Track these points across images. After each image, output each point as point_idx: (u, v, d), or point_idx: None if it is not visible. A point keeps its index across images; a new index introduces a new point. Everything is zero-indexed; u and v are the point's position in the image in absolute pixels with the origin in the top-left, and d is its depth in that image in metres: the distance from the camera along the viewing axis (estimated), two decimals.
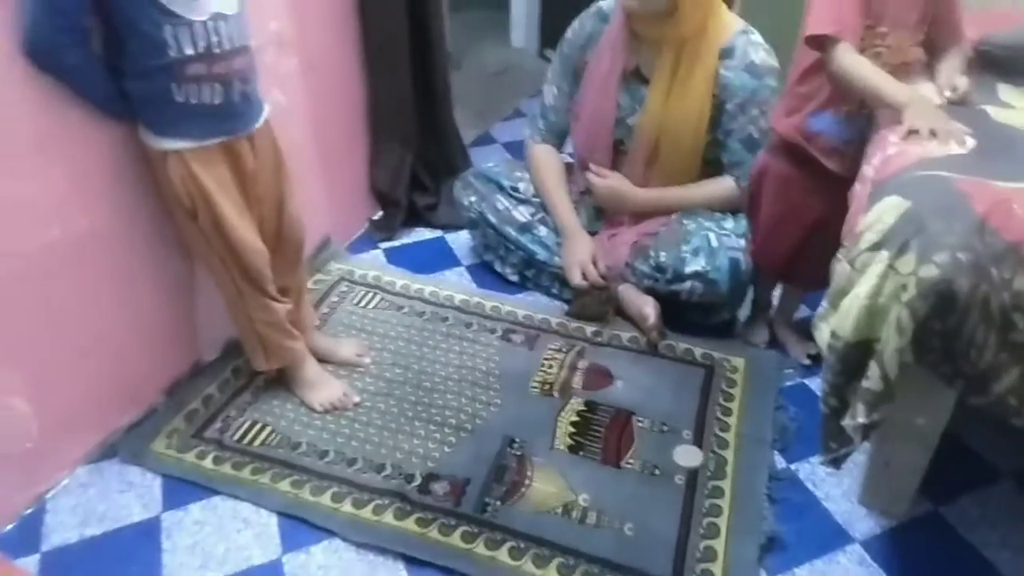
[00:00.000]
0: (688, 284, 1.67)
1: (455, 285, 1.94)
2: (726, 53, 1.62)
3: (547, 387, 1.60)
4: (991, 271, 0.92)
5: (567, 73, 1.81)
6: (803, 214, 1.52)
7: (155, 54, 1.17)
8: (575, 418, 1.52)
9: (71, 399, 1.37)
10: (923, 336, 0.95)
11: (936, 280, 0.92)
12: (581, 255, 1.76)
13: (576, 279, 1.74)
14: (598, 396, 1.58)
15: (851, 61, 1.26)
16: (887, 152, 1.14)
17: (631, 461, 1.43)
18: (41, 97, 1.18)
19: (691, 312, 1.75)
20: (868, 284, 0.98)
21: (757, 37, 1.63)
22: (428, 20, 1.98)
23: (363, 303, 1.86)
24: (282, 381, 1.58)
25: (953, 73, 1.31)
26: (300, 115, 1.81)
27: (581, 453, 1.44)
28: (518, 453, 1.44)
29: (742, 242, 1.66)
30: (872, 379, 0.99)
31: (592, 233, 1.85)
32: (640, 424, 1.51)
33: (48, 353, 1.31)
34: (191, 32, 1.17)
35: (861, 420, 1.01)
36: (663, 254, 1.69)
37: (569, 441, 1.47)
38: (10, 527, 1.29)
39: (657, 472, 1.40)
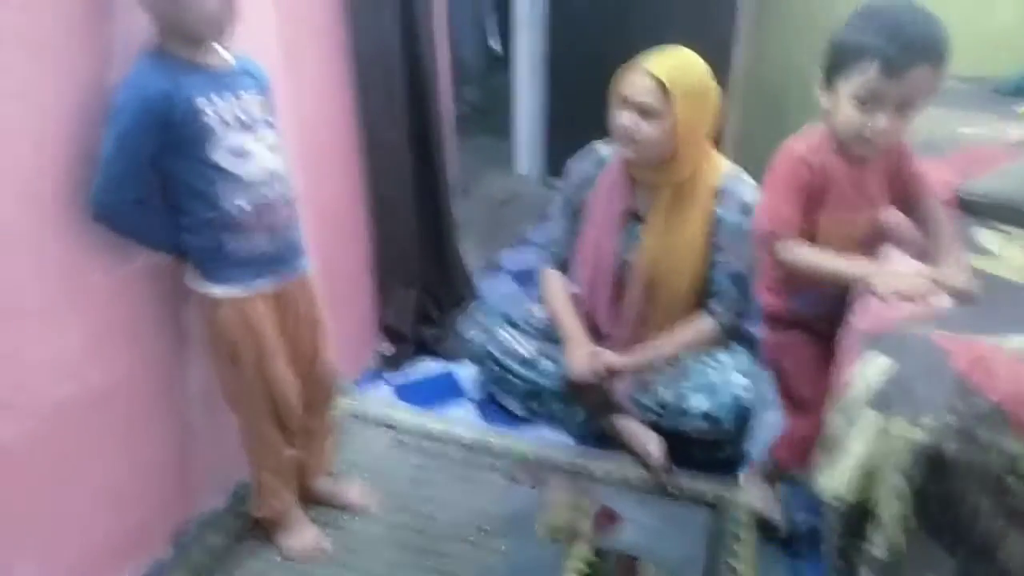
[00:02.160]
0: (691, 422, 1.67)
1: (462, 421, 1.95)
2: (720, 193, 1.69)
3: (553, 530, 1.58)
4: (978, 433, 0.93)
5: (568, 213, 1.90)
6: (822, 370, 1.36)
7: (210, 209, 1.26)
8: (583, 567, 1.50)
9: (79, 554, 1.37)
10: (923, 503, 0.95)
11: (926, 445, 0.93)
12: (585, 353, 1.78)
13: (577, 369, 1.75)
14: (605, 540, 1.56)
15: (796, 254, 1.25)
16: (870, 304, 1.17)
17: None
18: (65, 256, 1.24)
19: (697, 447, 1.74)
20: (861, 445, 0.99)
21: (747, 178, 1.71)
22: (434, 156, 2.09)
23: (370, 443, 1.87)
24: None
25: (954, 262, 1.20)
26: (312, 257, 1.89)
27: None
28: None
29: (743, 378, 1.67)
30: (879, 547, 0.98)
31: None
32: (647, 571, 1.48)
33: (55, 510, 1.32)
34: (243, 188, 1.27)
35: None
36: (664, 391, 1.71)
37: None
38: None
39: None
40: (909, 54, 1.08)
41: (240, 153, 1.27)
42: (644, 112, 1.58)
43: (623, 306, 1.82)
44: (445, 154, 2.16)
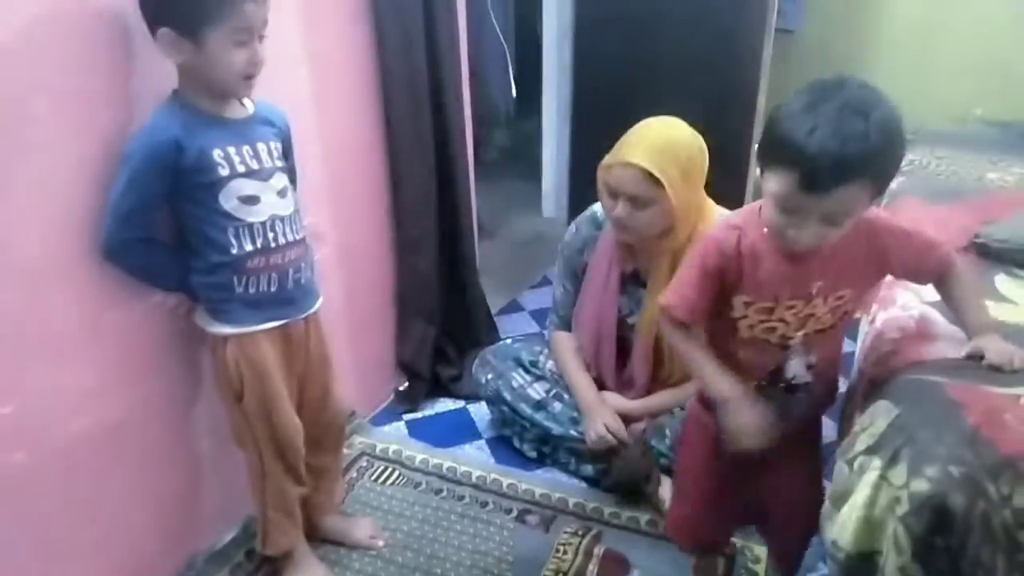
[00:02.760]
0: None
1: (474, 460, 1.94)
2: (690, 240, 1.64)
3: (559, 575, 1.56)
4: (987, 486, 0.90)
5: (569, 275, 1.89)
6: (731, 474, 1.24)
7: (219, 252, 1.29)
8: None
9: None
10: (926, 553, 0.92)
11: (928, 495, 0.90)
12: (603, 420, 1.75)
13: (597, 435, 1.73)
14: None
15: (678, 340, 1.17)
16: (881, 349, 1.15)
17: None
18: (85, 294, 1.28)
19: None
20: (863, 494, 0.96)
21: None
22: (456, 197, 2.12)
23: (381, 479, 1.87)
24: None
25: (998, 344, 1.09)
26: (333, 295, 1.91)
27: None
28: None
29: None
30: None
31: None
32: None
33: (67, 538, 1.34)
34: (251, 232, 1.30)
35: None
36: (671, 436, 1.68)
37: None
38: None
39: None
40: (834, 174, 0.93)
41: (249, 200, 1.30)
42: (636, 202, 1.56)
43: (629, 368, 1.81)
44: (468, 195, 2.19)
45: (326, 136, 1.79)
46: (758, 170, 1.04)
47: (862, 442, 1.03)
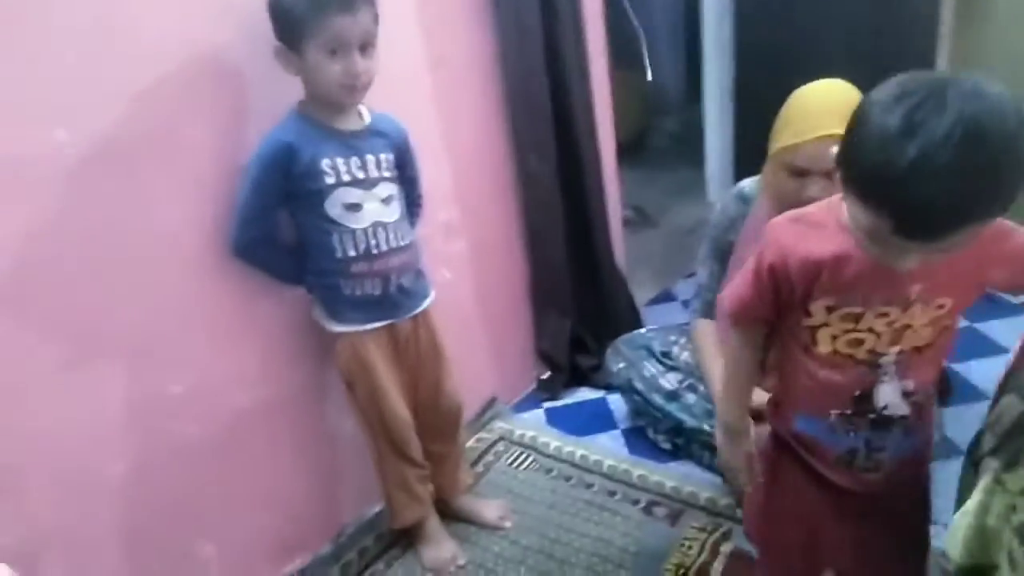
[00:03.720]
0: None
1: (607, 450, 1.94)
2: None
3: (682, 571, 1.51)
4: None
5: (716, 255, 1.79)
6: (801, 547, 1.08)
7: (326, 256, 1.42)
8: None
9: (251, 542, 1.58)
10: None
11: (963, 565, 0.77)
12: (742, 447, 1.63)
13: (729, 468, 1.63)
14: None
15: (732, 339, 1.06)
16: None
17: None
18: (243, 285, 1.47)
19: None
20: (976, 499, 0.85)
21: None
22: (585, 190, 2.13)
23: (516, 464, 1.93)
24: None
25: None
26: (467, 288, 2.02)
27: None
28: None
29: None
30: None
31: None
32: None
33: (232, 503, 1.54)
34: (354, 238, 1.41)
35: None
36: None
37: None
38: None
39: None
40: (944, 224, 0.76)
41: (353, 207, 1.40)
42: (833, 175, 1.42)
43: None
44: (599, 188, 2.18)
45: (452, 137, 1.88)
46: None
47: (988, 441, 0.90)
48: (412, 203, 1.59)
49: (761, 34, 3.06)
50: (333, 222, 1.40)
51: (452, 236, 1.94)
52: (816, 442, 1.02)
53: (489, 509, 1.75)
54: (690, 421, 1.79)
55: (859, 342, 0.94)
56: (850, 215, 0.85)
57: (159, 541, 1.43)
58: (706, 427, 1.75)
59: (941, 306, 0.91)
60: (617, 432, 2.02)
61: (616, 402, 2.12)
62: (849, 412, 0.98)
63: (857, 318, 0.92)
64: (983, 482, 0.85)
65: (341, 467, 1.75)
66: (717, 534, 1.60)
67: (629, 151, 3.75)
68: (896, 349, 0.94)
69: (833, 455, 1.02)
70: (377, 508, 1.78)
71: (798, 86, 1.53)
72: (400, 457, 1.57)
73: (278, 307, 1.54)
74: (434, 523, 1.67)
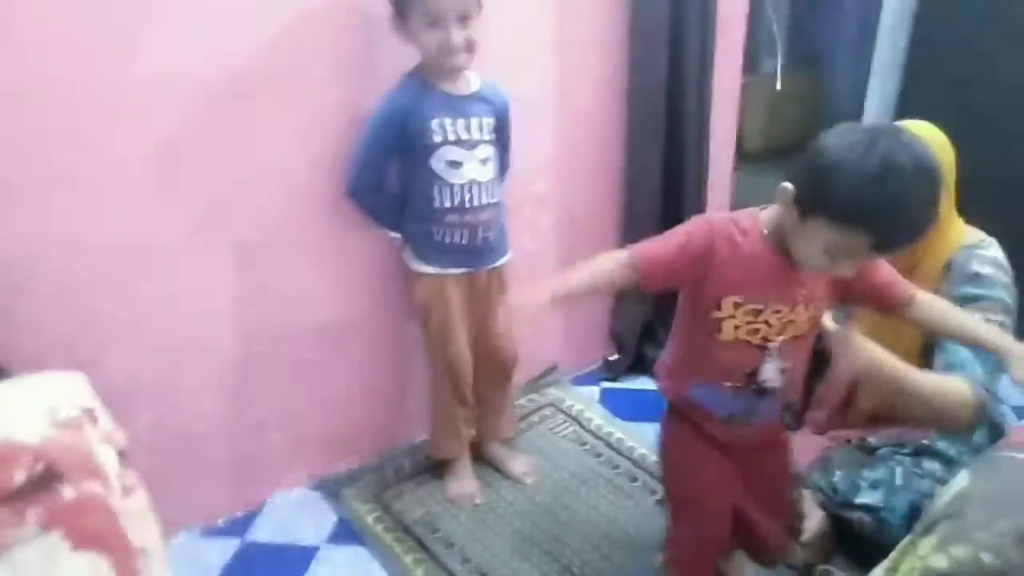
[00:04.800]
0: (857, 515, 1.51)
1: (643, 439, 2.01)
2: (947, 267, 1.45)
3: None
4: None
5: None
6: (712, 493, 1.30)
7: (425, 205, 1.59)
8: None
9: (306, 438, 1.83)
10: None
11: (938, 571, 0.79)
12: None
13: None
14: None
15: (604, 259, 1.17)
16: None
17: None
18: (336, 220, 1.67)
19: (864, 543, 1.55)
20: (891, 556, 0.88)
21: (987, 250, 1.44)
22: (685, 185, 2.16)
23: (556, 430, 2.05)
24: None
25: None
26: (551, 259, 2.13)
27: None
28: None
29: (931, 486, 1.44)
30: None
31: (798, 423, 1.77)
32: None
33: (301, 401, 1.78)
34: (451, 191, 1.57)
35: None
36: (839, 473, 1.56)
37: None
38: (239, 514, 1.77)
39: None
40: (915, 239, 1.02)
41: (454, 164, 1.55)
42: None
43: (821, 389, 1.68)
44: (701, 190, 2.20)
45: (563, 115, 1.98)
46: (783, 206, 1.07)
47: (933, 512, 0.92)
48: (502, 166, 1.71)
49: (934, 56, 2.87)
50: (436, 176, 1.55)
51: (543, 208, 2.05)
52: (704, 406, 1.26)
53: (517, 463, 1.89)
54: None
55: (756, 331, 1.16)
56: (806, 236, 1.05)
57: (237, 411, 1.70)
58: None
59: (818, 308, 1.18)
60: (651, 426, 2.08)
61: None
62: (739, 384, 1.20)
63: (757, 312, 1.14)
64: (901, 543, 0.88)
65: (400, 393, 1.95)
66: None
67: (785, 156, 3.66)
68: (781, 337, 1.17)
69: (718, 416, 1.25)
70: (421, 438, 1.97)
71: (963, 112, 1.51)
72: (454, 393, 1.74)
73: (371, 244, 1.74)
74: (465, 461, 1.84)
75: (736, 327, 1.15)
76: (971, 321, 1.22)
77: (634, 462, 1.91)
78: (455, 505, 1.78)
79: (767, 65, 4.13)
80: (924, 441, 1.52)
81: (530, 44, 1.86)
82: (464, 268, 1.65)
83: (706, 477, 1.29)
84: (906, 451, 1.51)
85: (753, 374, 1.19)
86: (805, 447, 1.67)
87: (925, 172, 0.96)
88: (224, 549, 1.67)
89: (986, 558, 0.79)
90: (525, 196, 1.95)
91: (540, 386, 2.23)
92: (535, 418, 2.10)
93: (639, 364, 2.31)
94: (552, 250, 2.11)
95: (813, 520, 1.59)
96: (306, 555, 1.66)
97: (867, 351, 1.26)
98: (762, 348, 1.17)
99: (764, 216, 1.14)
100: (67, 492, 0.99)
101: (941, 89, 2.81)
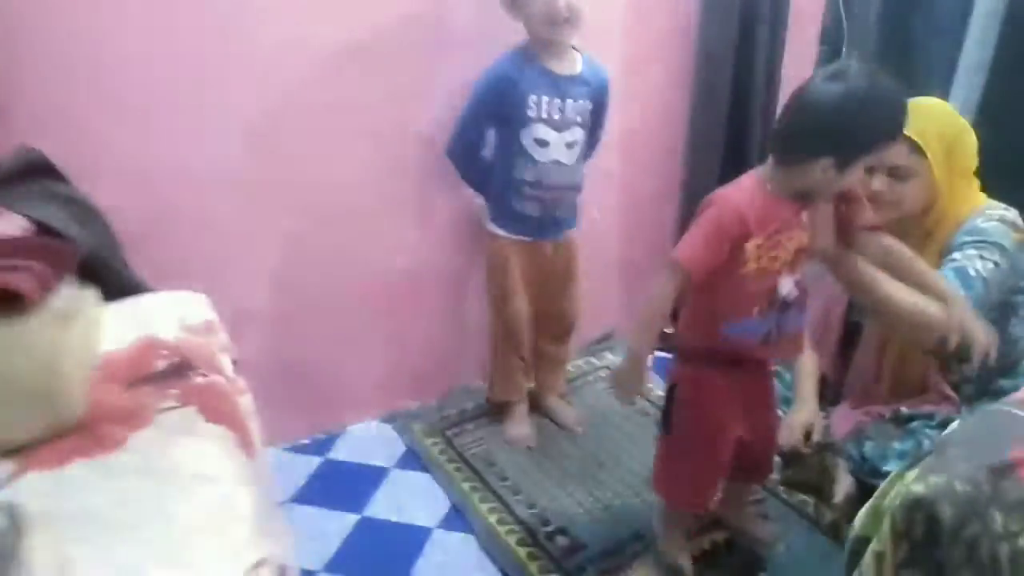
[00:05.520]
0: (883, 482, 1.61)
1: None
2: (959, 226, 1.54)
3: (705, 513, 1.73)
4: (994, 515, 0.88)
5: None
6: (725, 427, 1.45)
7: (508, 174, 1.76)
8: (707, 547, 1.63)
9: (376, 376, 2.05)
10: (904, 554, 0.94)
11: (919, 497, 0.92)
12: (799, 419, 1.79)
13: (786, 438, 1.79)
14: (745, 540, 1.65)
15: (667, 289, 1.30)
16: None
17: None
18: (429, 179, 1.89)
19: None
20: (882, 486, 1.01)
21: (996, 211, 1.52)
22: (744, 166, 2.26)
23: (608, 390, 2.20)
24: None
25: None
26: (614, 229, 2.29)
27: None
28: (637, 549, 1.63)
29: None
30: (857, 569, 1.00)
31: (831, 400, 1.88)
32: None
33: (375, 341, 2.00)
34: (535, 167, 1.74)
35: None
36: (869, 444, 1.67)
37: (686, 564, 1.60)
38: (321, 436, 2.01)
39: None
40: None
41: (541, 143, 1.71)
42: (897, 173, 1.52)
43: (852, 361, 1.78)
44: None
45: (632, 94, 2.12)
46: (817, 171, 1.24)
47: (923, 452, 1.04)
48: (591, 145, 1.86)
49: (1021, 56, 2.84)
50: (523, 149, 1.72)
51: (610, 182, 2.20)
52: (741, 338, 1.38)
53: (570, 415, 2.07)
54: None
55: (775, 259, 1.32)
56: (848, 179, 1.27)
57: (325, 347, 1.93)
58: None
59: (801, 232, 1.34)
60: None
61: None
62: (765, 306, 1.35)
63: (776, 244, 1.31)
64: (891, 475, 1.00)
65: (465, 341, 2.16)
66: (752, 491, 1.78)
67: None
68: (790, 256, 1.33)
69: (756, 341, 1.38)
70: (482, 383, 2.17)
71: None
72: (509, 346, 1.93)
73: (453, 203, 1.94)
74: (523, 408, 2.03)
75: (759, 259, 1.31)
76: (933, 272, 1.36)
77: None
78: (510, 446, 1.97)
79: (851, 58, 4.12)
80: (953, 415, 1.61)
81: (607, 21, 2.00)
82: (530, 238, 1.82)
83: (721, 414, 1.45)
84: (934, 424, 1.61)
85: (774, 293, 1.35)
86: (842, 419, 1.79)
87: (874, 76, 1.22)
88: (308, 464, 1.91)
89: (959, 486, 0.92)
90: (596, 169, 2.10)
91: (598, 350, 2.39)
92: (590, 378, 2.27)
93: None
94: (616, 220, 2.27)
95: (843, 485, 1.71)
96: (378, 475, 1.88)
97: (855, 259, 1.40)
98: (778, 271, 1.34)
99: (759, 174, 1.34)
100: (198, 379, 1.23)
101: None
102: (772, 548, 1.64)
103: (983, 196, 1.58)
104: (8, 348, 1.02)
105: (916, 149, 1.51)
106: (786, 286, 1.35)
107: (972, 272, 1.46)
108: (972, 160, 1.56)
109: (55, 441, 1.04)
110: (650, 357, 1.40)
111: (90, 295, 1.20)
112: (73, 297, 1.17)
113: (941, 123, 1.54)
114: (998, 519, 0.89)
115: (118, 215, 1.33)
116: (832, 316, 1.82)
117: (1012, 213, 1.54)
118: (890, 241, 1.37)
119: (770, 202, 1.30)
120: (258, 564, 0.89)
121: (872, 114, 1.21)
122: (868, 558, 0.99)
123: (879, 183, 1.55)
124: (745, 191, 1.32)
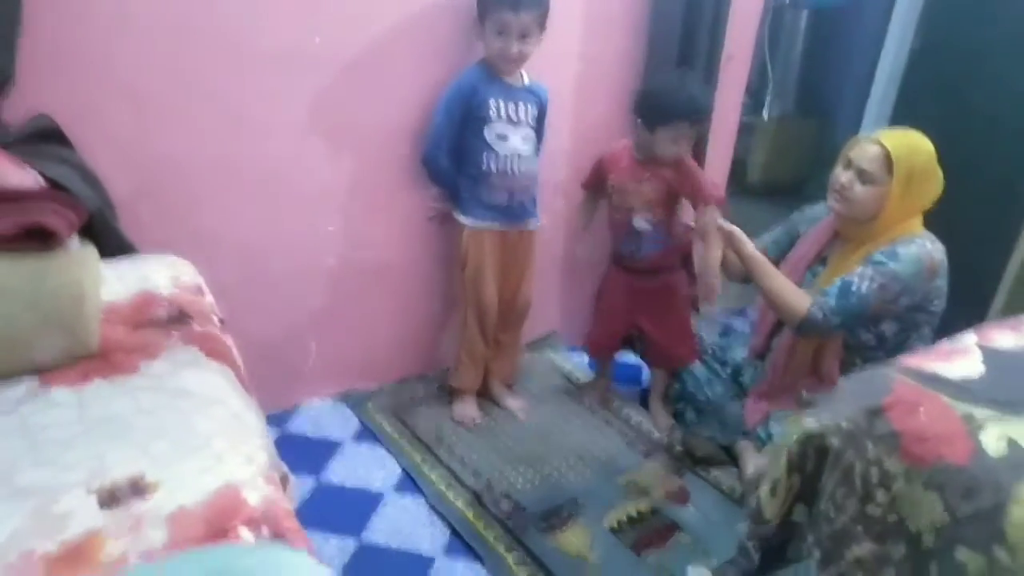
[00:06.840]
0: None
1: (621, 396, 2.36)
2: (887, 244, 1.75)
3: (632, 486, 1.93)
4: (867, 445, 1.11)
5: (783, 237, 2.12)
6: (623, 309, 2.20)
7: (475, 167, 1.95)
8: (633, 514, 1.83)
9: (341, 357, 2.19)
10: (796, 487, 1.16)
11: (812, 432, 1.15)
12: (707, 261, 1.98)
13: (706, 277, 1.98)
14: (667, 509, 1.86)
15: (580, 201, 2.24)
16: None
17: (651, 558, 1.69)
18: (394, 177, 2.05)
19: None
20: (783, 430, 1.23)
21: (925, 244, 1.72)
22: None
23: (548, 382, 2.40)
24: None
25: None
26: (561, 236, 2.50)
27: (617, 535, 1.75)
28: (572, 512, 1.81)
29: None
30: (755, 506, 1.21)
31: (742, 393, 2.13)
32: (680, 539, 1.75)
33: (341, 324, 2.14)
34: (497, 159, 1.94)
35: (745, 539, 1.23)
36: (775, 425, 1.91)
37: (615, 525, 1.79)
38: (277, 411, 2.12)
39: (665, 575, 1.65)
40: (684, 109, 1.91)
41: (502, 138, 1.92)
42: (863, 176, 1.73)
43: (778, 342, 2.04)
44: None
45: (579, 120, 2.34)
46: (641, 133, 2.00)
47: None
48: (537, 147, 2.07)
49: (920, 111, 3.18)
50: (487, 144, 1.93)
51: (558, 193, 2.41)
52: (622, 252, 2.14)
53: (515, 401, 2.25)
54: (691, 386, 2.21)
55: (625, 200, 2.05)
56: (659, 140, 1.94)
57: (289, 325, 2.06)
58: (701, 397, 2.15)
59: (656, 188, 2.02)
60: (636, 391, 2.43)
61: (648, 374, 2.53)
62: (626, 231, 2.09)
63: (624, 190, 2.04)
64: (792, 418, 1.23)
65: (422, 332, 2.31)
66: (675, 474, 1.99)
67: (781, 194, 4.03)
68: (641, 202, 2.03)
69: (626, 253, 2.12)
70: (435, 371, 2.32)
71: (951, 146, 1.78)
72: (479, 332, 2.10)
73: (419, 202, 2.11)
74: (473, 393, 2.20)
75: (612, 198, 2.09)
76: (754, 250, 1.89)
77: (612, 412, 2.26)
78: (459, 425, 2.13)
79: (773, 109, 4.54)
80: None
81: (558, 54, 2.23)
82: (498, 225, 2.01)
83: (610, 300, 2.23)
84: None
85: (630, 226, 2.08)
86: (752, 412, 2.03)
87: (686, 76, 2.00)
88: None
89: (844, 423, 1.15)
90: (549, 182, 2.32)
91: (541, 346, 2.58)
92: (533, 371, 2.46)
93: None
94: (563, 229, 2.48)
95: (752, 464, 1.94)
96: (333, 447, 2.01)
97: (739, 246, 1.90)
98: (631, 209, 2.05)
99: (627, 142, 2.08)
100: (196, 326, 1.36)
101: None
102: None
103: (921, 227, 1.79)
104: (41, 278, 1.14)
105: (887, 165, 1.71)
106: (638, 222, 2.05)
107: (854, 288, 1.72)
108: (927, 202, 1.76)
109: (74, 363, 1.16)
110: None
111: (92, 250, 1.32)
112: (80, 249, 1.29)
113: (919, 159, 1.72)
114: (870, 448, 1.12)
115: (108, 184, 1.48)
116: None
117: (936, 247, 1.74)
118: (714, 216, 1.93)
119: (630, 159, 2.05)
120: (270, 467, 1.03)
121: (662, 94, 1.93)
122: (764, 491, 1.21)
123: (846, 178, 1.77)
124: (616, 148, 2.10)
